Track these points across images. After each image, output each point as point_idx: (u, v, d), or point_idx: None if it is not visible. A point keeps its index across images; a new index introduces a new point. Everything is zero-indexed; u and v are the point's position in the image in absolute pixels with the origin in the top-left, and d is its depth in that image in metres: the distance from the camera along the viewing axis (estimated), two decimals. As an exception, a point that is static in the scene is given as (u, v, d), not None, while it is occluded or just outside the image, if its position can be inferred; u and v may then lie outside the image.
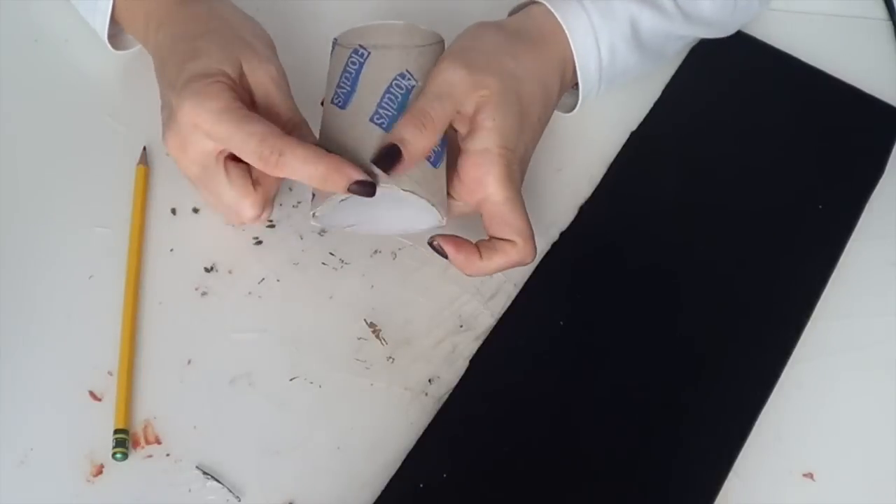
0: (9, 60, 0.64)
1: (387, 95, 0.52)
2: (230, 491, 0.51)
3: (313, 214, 0.53)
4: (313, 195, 0.53)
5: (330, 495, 0.52)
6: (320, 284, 0.58)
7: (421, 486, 0.52)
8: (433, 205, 0.52)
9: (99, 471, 0.51)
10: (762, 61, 0.70)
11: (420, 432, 0.54)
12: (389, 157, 0.50)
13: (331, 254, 0.59)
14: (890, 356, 0.59)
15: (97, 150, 0.61)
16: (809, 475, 0.55)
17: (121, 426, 0.52)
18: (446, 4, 0.65)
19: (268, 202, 0.54)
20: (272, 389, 0.54)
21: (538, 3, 0.58)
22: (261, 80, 0.53)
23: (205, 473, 0.52)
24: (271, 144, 0.49)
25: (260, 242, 0.59)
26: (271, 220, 0.60)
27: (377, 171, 0.51)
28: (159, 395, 0.54)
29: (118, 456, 0.51)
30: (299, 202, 0.60)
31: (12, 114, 0.62)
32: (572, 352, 0.57)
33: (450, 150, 0.55)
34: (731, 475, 0.54)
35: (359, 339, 0.57)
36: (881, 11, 0.74)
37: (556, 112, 0.60)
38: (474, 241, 0.54)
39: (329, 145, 0.53)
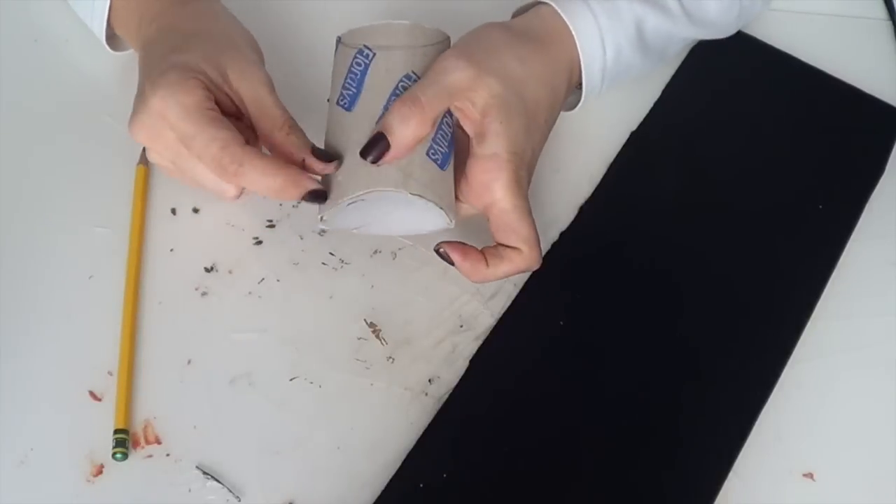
0: (9, 60, 0.64)
1: (392, 97, 0.52)
2: (230, 491, 0.51)
3: (321, 218, 0.53)
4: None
5: (330, 495, 0.52)
6: (320, 284, 0.58)
7: (421, 486, 0.52)
8: (441, 208, 0.52)
9: (99, 471, 0.51)
10: (762, 61, 0.70)
11: (420, 432, 0.54)
12: (376, 146, 0.51)
13: (331, 254, 0.59)
14: (890, 356, 0.59)
15: (97, 150, 0.61)
16: (809, 475, 0.55)
17: (121, 426, 0.52)
18: (451, 4, 0.65)
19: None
20: (272, 389, 0.54)
21: (545, 3, 0.58)
22: (252, 84, 0.53)
23: (205, 473, 0.52)
24: (232, 153, 0.50)
25: (260, 242, 0.59)
26: (271, 221, 0.60)
27: (386, 174, 0.51)
28: (159, 395, 0.54)
29: (118, 456, 0.51)
30: (299, 202, 0.60)
31: (12, 114, 0.62)
32: (572, 352, 0.57)
33: (459, 153, 0.55)
34: (731, 475, 0.54)
35: (359, 339, 0.57)
36: (881, 11, 0.74)
37: (557, 112, 0.60)
38: (480, 248, 0.54)
39: (335, 147, 0.53)
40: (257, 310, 0.57)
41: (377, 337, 0.57)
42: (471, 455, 0.53)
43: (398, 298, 0.58)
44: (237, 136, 0.51)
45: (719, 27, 0.66)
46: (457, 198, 0.55)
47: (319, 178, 0.53)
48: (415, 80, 0.53)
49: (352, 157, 0.52)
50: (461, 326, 0.57)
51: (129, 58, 0.62)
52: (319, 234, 0.59)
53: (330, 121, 0.54)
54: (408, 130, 0.51)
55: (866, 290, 0.61)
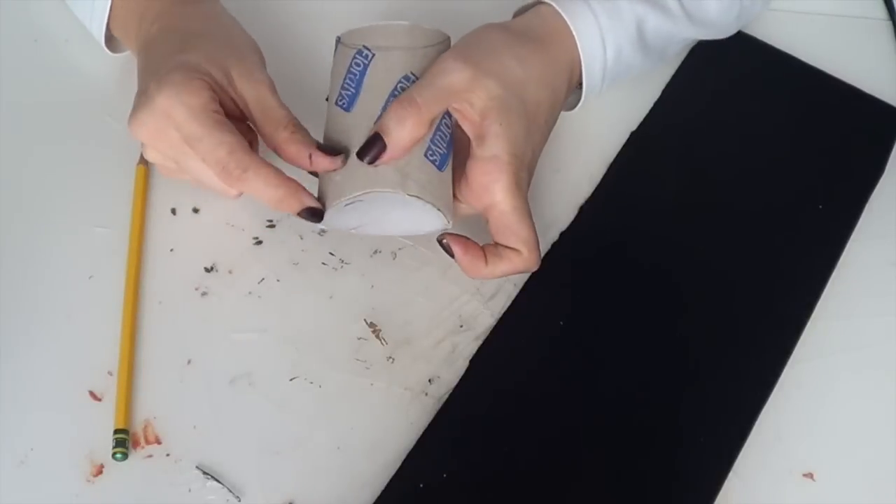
0: (9, 60, 0.64)
1: (391, 98, 0.52)
2: (230, 491, 0.51)
3: None
4: (318, 198, 0.53)
5: (330, 495, 0.52)
6: (320, 284, 0.58)
7: (421, 486, 0.52)
8: (439, 209, 0.52)
9: (99, 471, 0.51)
10: (762, 61, 0.70)
11: (420, 432, 0.54)
12: (372, 148, 0.51)
13: (331, 254, 0.59)
14: (890, 356, 0.59)
15: (97, 150, 0.61)
16: (809, 475, 0.55)
17: (121, 426, 0.52)
18: (451, 4, 0.65)
19: None
20: (272, 389, 0.54)
21: (545, 3, 0.58)
22: (255, 86, 0.53)
23: (205, 473, 0.52)
24: (238, 159, 0.50)
25: (260, 242, 0.59)
26: (271, 221, 0.60)
27: (384, 175, 0.51)
28: (159, 395, 0.54)
29: (118, 456, 0.51)
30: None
31: (12, 114, 0.62)
32: (572, 351, 0.57)
33: (459, 154, 0.55)
34: (731, 475, 0.54)
35: (359, 339, 0.57)
36: (881, 11, 0.74)
37: (556, 112, 0.60)
38: (482, 245, 0.54)
39: (333, 147, 0.53)
40: (257, 310, 0.57)
41: (377, 337, 0.57)
42: (471, 455, 0.53)
43: (398, 298, 0.58)
44: (242, 141, 0.51)
45: (719, 27, 0.66)
46: (456, 198, 0.55)
47: (315, 192, 0.53)
48: (413, 81, 0.53)
49: (350, 157, 0.52)
50: (461, 326, 0.57)
51: (129, 58, 0.62)
52: (319, 234, 0.60)
53: (329, 121, 0.54)
54: (404, 132, 0.51)
55: (866, 291, 0.61)
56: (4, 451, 0.51)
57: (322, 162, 0.52)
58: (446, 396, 0.55)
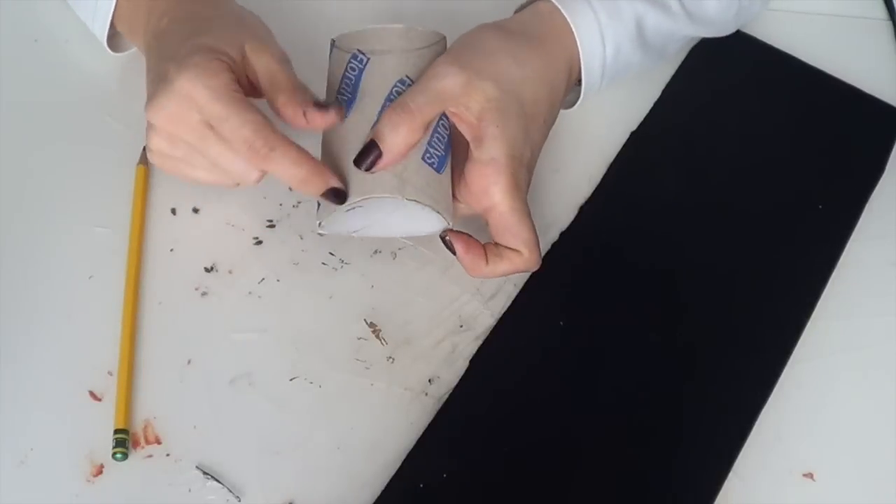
0: (9, 60, 0.64)
1: (387, 103, 0.52)
2: (230, 491, 0.51)
3: (319, 224, 0.53)
4: (318, 204, 0.53)
5: (330, 495, 0.52)
6: (320, 284, 0.58)
7: (421, 486, 0.52)
8: (438, 212, 0.52)
9: (99, 471, 0.51)
10: (762, 61, 0.70)
11: (420, 432, 0.54)
12: (368, 155, 0.51)
13: (331, 254, 0.59)
14: (890, 356, 0.59)
15: (97, 150, 0.61)
16: (809, 475, 0.55)
17: (121, 426, 0.52)
18: (448, 5, 0.65)
19: None
20: (272, 389, 0.54)
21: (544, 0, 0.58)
22: (266, 61, 0.52)
23: (205, 473, 0.52)
24: (265, 137, 0.49)
25: (260, 242, 0.59)
26: (271, 221, 0.60)
27: (382, 180, 0.51)
28: (159, 395, 0.54)
29: (118, 456, 0.51)
30: (299, 202, 0.60)
31: (12, 114, 0.62)
32: (572, 352, 0.57)
33: (457, 156, 0.55)
34: (731, 475, 0.54)
35: (359, 339, 0.57)
36: (881, 11, 0.74)
37: (555, 110, 0.60)
38: (483, 243, 0.54)
39: (332, 154, 0.53)
40: (257, 310, 0.57)
41: (377, 337, 0.57)
42: (471, 455, 0.53)
43: (398, 298, 0.58)
44: (267, 119, 0.50)
45: (718, 25, 0.66)
46: (456, 199, 0.55)
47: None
48: (409, 85, 0.53)
49: (348, 164, 0.52)
50: (461, 326, 0.57)
51: (129, 58, 0.62)
52: (319, 234, 0.59)
53: (327, 126, 0.54)
54: (398, 138, 0.51)
55: (866, 291, 0.61)
56: (4, 451, 0.51)
57: (316, 118, 0.51)
58: (446, 396, 0.55)
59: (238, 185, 0.54)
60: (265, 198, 0.60)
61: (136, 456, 0.52)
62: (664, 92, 0.67)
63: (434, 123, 0.53)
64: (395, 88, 0.53)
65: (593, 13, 0.58)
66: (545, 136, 0.57)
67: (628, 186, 0.63)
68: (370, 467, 0.53)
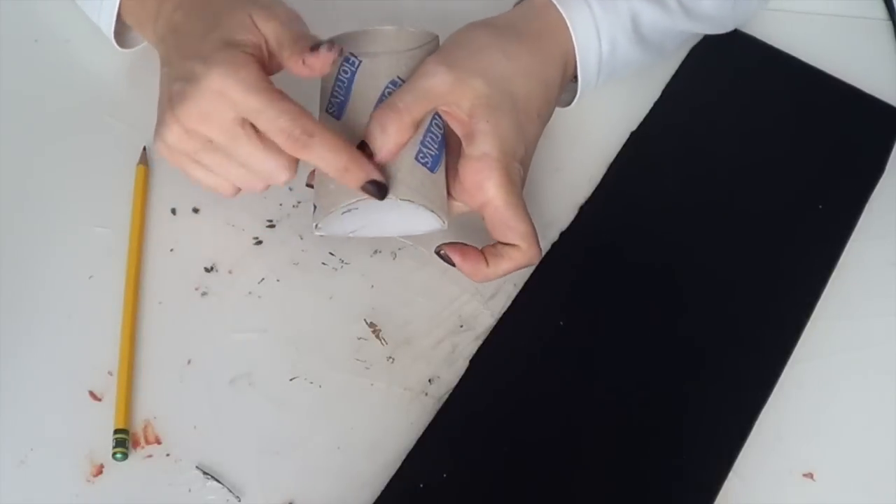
0: (9, 60, 0.64)
1: (379, 104, 0.52)
2: (230, 491, 0.51)
3: (315, 226, 0.53)
4: (314, 206, 0.53)
5: (330, 495, 0.52)
6: (320, 284, 0.58)
7: (421, 486, 0.52)
8: (432, 210, 0.52)
9: (99, 471, 0.51)
10: (762, 61, 0.69)
11: (420, 432, 0.54)
12: None
13: (331, 254, 0.59)
14: (890, 357, 0.59)
15: (97, 150, 0.61)
16: (809, 475, 0.55)
17: (121, 426, 0.52)
18: (442, 4, 0.65)
19: (296, 162, 0.52)
20: (272, 389, 0.54)
21: None
22: (273, 27, 0.51)
23: (205, 473, 0.52)
24: (303, 125, 0.49)
25: (260, 242, 0.59)
26: (271, 221, 0.60)
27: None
28: (159, 395, 0.54)
29: (118, 456, 0.51)
30: (299, 202, 0.60)
31: (12, 114, 0.62)
32: (572, 351, 0.57)
33: (451, 154, 0.55)
34: (731, 475, 0.54)
35: (359, 339, 0.57)
36: (881, 11, 0.74)
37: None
38: (480, 248, 0.54)
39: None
40: (257, 310, 0.57)
41: (377, 337, 0.57)
42: (471, 455, 0.53)
43: (398, 298, 0.58)
44: (303, 108, 0.49)
45: (716, 21, 0.66)
46: (451, 196, 0.55)
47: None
48: (400, 86, 0.53)
49: None
50: (461, 326, 0.57)
51: (130, 58, 0.62)
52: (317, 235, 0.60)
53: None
54: (388, 137, 0.51)
55: (866, 291, 0.61)
56: (4, 451, 0.51)
57: (314, 61, 0.50)
58: (446, 396, 0.55)
59: (240, 191, 0.54)
60: (265, 198, 0.59)
61: (136, 456, 0.52)
62: (664, 92, 0.67)
63: (426, 123, 0.53)
64: (387, 90, 0.53)
65: (588, 8, 0.57)
66: (540, 131, 0.57)
67: (628, 186, 0.63)
68: (370, 467, 0.53)
